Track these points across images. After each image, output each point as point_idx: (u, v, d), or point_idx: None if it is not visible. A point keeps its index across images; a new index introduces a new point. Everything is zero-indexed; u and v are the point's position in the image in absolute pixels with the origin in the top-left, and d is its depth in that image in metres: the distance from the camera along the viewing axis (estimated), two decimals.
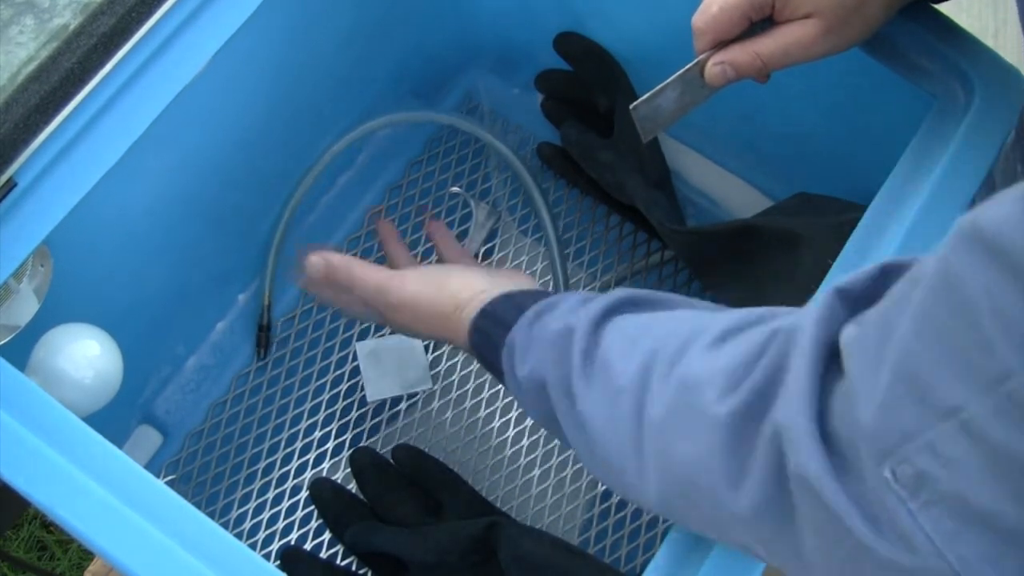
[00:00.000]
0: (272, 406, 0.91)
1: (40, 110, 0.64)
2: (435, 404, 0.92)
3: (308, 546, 0.85)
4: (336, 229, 0.98)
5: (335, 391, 0.92)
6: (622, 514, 0.88)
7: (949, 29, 0.71)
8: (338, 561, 0.83)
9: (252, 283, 0.95)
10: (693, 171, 1.00)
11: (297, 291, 0.95)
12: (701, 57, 0.66)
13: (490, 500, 0.82)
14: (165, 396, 0.91)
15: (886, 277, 0.44)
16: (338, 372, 0.93)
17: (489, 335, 0.59)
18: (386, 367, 0.92)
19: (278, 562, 0.81)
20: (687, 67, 0.68)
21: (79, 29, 0.65)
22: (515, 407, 0.91)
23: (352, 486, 0.81)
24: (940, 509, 0.37)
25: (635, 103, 0.70)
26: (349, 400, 0.92)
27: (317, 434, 0.90)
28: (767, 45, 0.64)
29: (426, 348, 0.93)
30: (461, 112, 1.04)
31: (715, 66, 0.65)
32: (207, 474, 0.89)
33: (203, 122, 0.78)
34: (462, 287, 0.66)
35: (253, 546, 0.86)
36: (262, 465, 0.89)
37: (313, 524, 0.86)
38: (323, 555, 0.85)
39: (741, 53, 0.65)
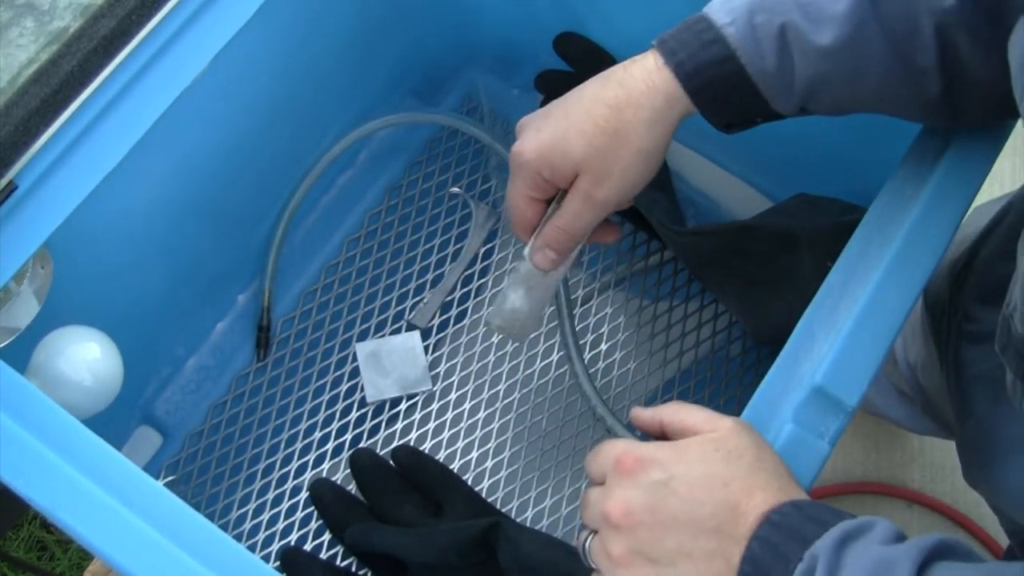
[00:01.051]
0: (272, 407, 0.91)
1: (40, 113, 0.64)
2: (435, 405, 0.92)
3: (308, 547, 0.86)
4: (336, 229, 0.98)
5: (335, 392, 0.92)
6: None
7: None
8: (338, 562, 0.83)
9: (252, 284, 0.95)
10: (693, 171, 1.00)
11: (297, 292, 0.95)
12: (525, 251, 0.71)
13: (490, 500, 0.82)
14: (165, 397, 0.91)
15: None
16: (338, 373, 0.93)
17: (776, 546, 0.52)
18: (386, 368, 0.92)
19: (278, 563, 0.81)
20: (516, 267, 0.72)
21: (79, 32, 0.65)
22: (515, 407, 0.91)
23: (352, 487, 0.81)
24: None
25: (487, 316, 0.73)
26: (349, 401, 0.92)
27: (317, 435, 0.90)
28: (562, 216, 0.68)
29: (426, 349, 0.93)
30: (461, 112, 1.04)
31: (535, 253, 0.70)
32: (207, 475, 0.89)
33: (203, 124, 0.78)
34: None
35: (253, 547, 0.86)
36: (262, 466, 0.89)
37: (313, 525, 0.86)
38: (323, 556, 0.85)
39: (549, 231, 0.68)
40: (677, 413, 0.59)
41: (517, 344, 0.93)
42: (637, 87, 0.64)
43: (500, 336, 0.73)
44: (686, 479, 0.54)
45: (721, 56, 0.61)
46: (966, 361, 0.79)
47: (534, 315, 0.74)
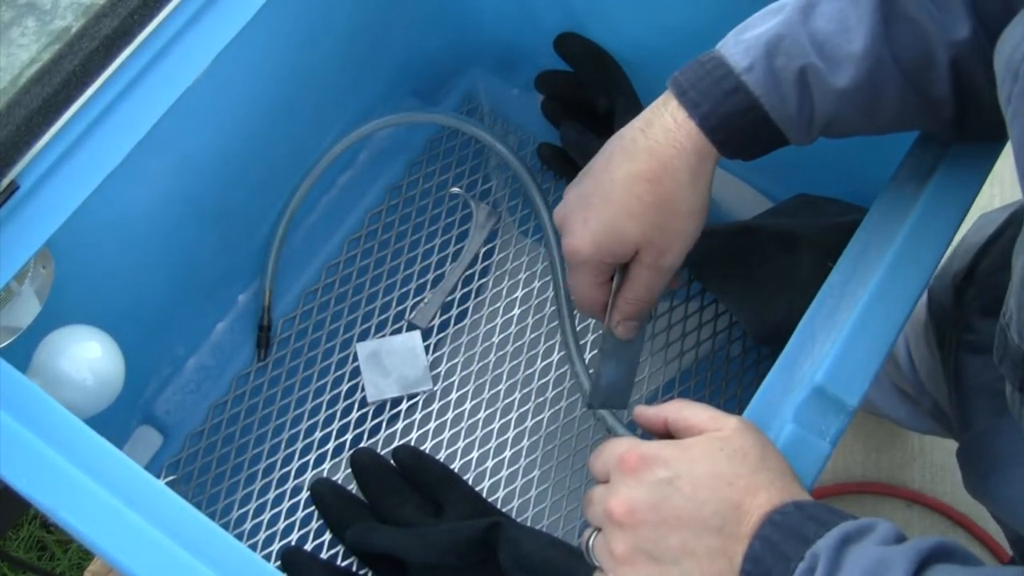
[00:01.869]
0: (272, 407, 0.91)
1: (42, 112, 0.64)
2: (435, 405, 0.92)
3: (309, 546, 0.86)
4: (336, 229, 0.98)
5: (335, 392, 0.92)
6: None
7: None
8: (338, 561, 0.83)
9: (252, 283, 0.95)
10: None
11: (297, 291, 0.95)
12: (604, 329, 0.74)
13: (490, 500, 0.82)
14: (165, 396, 0.91)
15: None
16: (338, 373, 0.93)
17: (776, 545, 0.52)
18: (386, 368, 0.92)
19: (278, 562, 0.81)
20: (601, 346, 0.75)
21: (81, 31, 0.65)
22: (515, 407, 0.91)
23: (352, 486, 0.81)
24: None
25: (590, 400, 0.77)
26: (349, 401, 0.92)
27: (317, 435, 0.90)
28: (634, 289, 0.70)
29: (427, 349, 0.93)
30: (461, 112, 1.04)
31: (618, 328, 0.73)
32: (207, 474, 0.89)
33: (204, 123, 0.78)
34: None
35: (253, 546, 0.86)
36: (262, 465, 0.89)
37: (313, 524, 0.86)
38: (323, 555, 0.85)
39: (625, 306, 0.71)
40: (681, 411, 0.59)
41: (518, 344, 0.93)
42: (667, 152, 0.64)
43: (616, 415, 0.80)
44: (690, 477, 0.55)
45: (745, 106, 0.62)
46: (967, 372, 0.79)
47: (630, 381, 0.77)
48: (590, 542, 0.58)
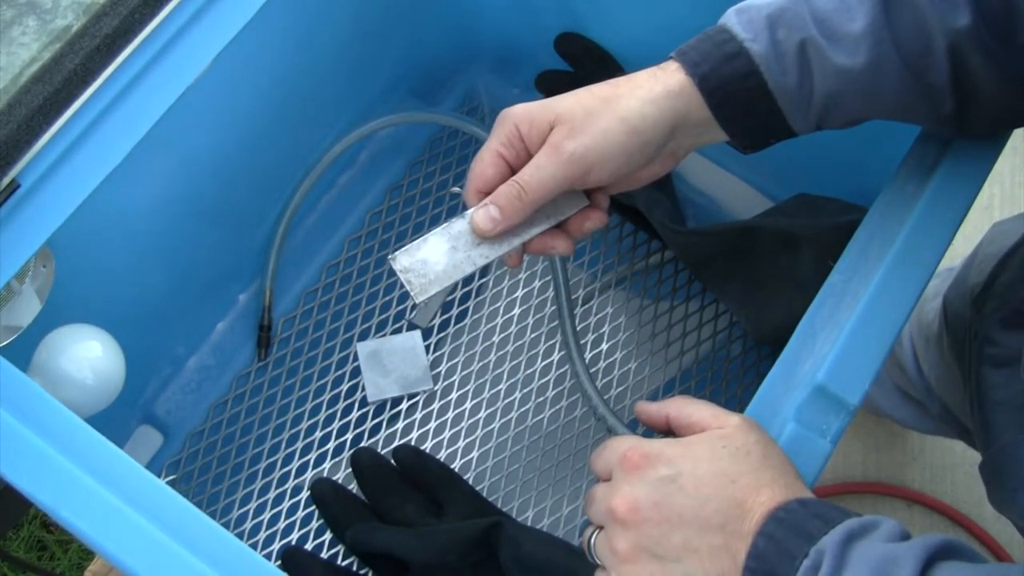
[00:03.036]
0: (273, 406, 0.91)
1: (43, 111, 0.64)
2: (435, 405, 0.92)
3: (309, 546, 0.86)
4: (336, 229, 0.98)
5: (336, 391, 0.92)
6: None
7: None
8: (339, 561, 0.83)
9: (252, 283, 0.95)
10: (693, 172, 1.01)
11: (297, 291, 0.95)
12: (469, 209, 0.63)
13: (490, 500, 0.82)
14: (166, 396, 0.91)
15: None
16: (339, 372, 0.93)
17: (780, 542, 0.52)
18: (386, 368, 0.92)
19: (279, 562, 0.81)
20: (449, 222, 0.64)
21: (82, 30, 0.65)
22: (515, 407, 0.91)
23: (353, 486, 0.81)
24: None
25: (396, 252, 0.64)
26: (350, 400, 0.92)
27: (318, 434, 0.90)
28: (523, 170, 0.62)
29: (427, 348, 0.93)
30: (461, 112, 1.04)
31: (479, 209, 0.63)
32: (208, 474, 0.89)
33: (205, 123, 0.78)
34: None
35: (254, 546, 0.86)
36: (263, 465, 0.89)
37: (314, 524, 0.86)
38: (324, 555, 0.85)
39: (502, 187, 0.62)
40: (683, 408, 0.59)
41: (518, 344, 0.93)
42: (642, 75, 0.63)
43: (423, 299, 0.64)
44: (693, 475, 0.55)
45: (745, 71, 0.61)
46: (990, 385, 0.79)
47: (443, 279, 0.64)
48: (592, 540, 0.58)
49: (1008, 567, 0.51)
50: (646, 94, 0.61)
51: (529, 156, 0.62)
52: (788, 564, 0.51)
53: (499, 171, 0.63)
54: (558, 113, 0.61)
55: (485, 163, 0.63)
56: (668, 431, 0.61)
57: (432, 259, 0.64)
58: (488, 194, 0.63)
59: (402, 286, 0.95)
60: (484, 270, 0.97)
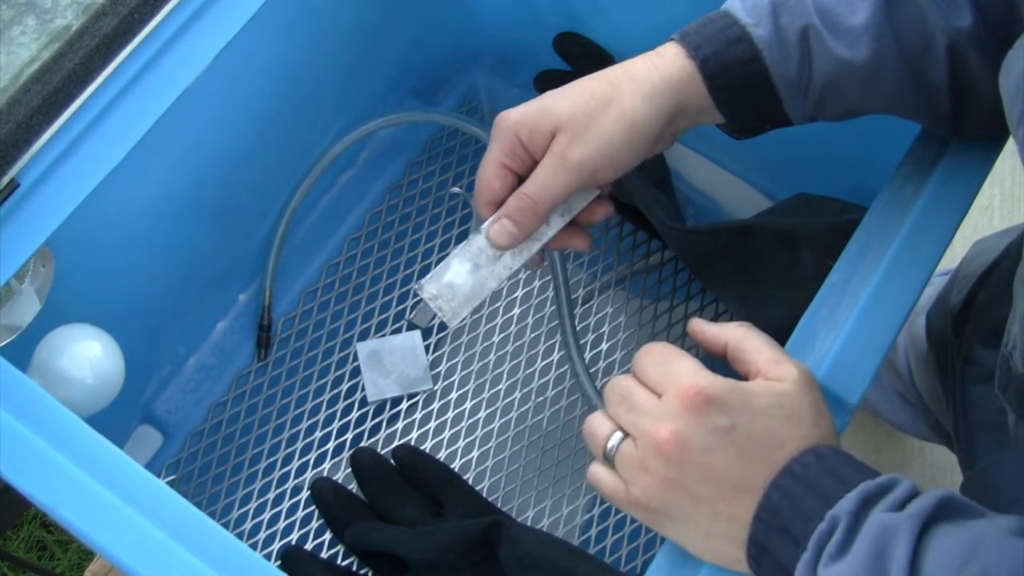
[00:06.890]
0: (272, 406, 0.91)
1: (42, 111, 0.64)
2: (435, 404, 0.92)
3: (309, 546, 0.86)
4: (337, 229, 0.98)
5: (335, 391, 0.92)
6: (622, 515, 0.88)
7: None
8: (339, 561, 0.83)
9: (252, 283, 0.95)
10: (693, 171, 1.01)
11: (297, 291, 0.95)
12: (484, 224, 0.64)
13: (490, 500, 0.82)
14: (166, 396, 0.91)
15: None
16: (338, 372, 0.93)
17: (796, 500, 0.53)
18: (386, 367, 0.92)
19: (279, 562, 0.81)
20: (467, 240, 0.64)
21: (81, 30, 0.65)
22: (515, 407, 0.91)
23: (353, 486, 0.81)
24: None
25: (423, 281, 0.65)
26: (349, 400, 0.92)
27: (318, 434, 0.90)
28: (529, 182, 0.62)
29: (427, 348, 0.93)
30: (461, 112, 1.04)
31: (493, 224, 0.63)
32: (208, 474, 0.89)
33: (204, 123, 0.78)
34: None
35: (254, 546, 0.86)
36: (263, 465, 0.89)
37: (314, 524, 0.86)
38: (324, 555, 0.85)
39: (513, 199, 0.62)
40: (742, 342, 0.58)
41: (517, 343, 0.93)
42: (639, 65, 0.62)
43: (438, 314, 0.65)
44: (747, 431, 0.54)
45: (748, 56, 0.60)
46: (970, 403, 0.79)
47: (472, 298, 0.65)
48: (615, 444, 0.56)
49: (1001, 518, 0.51)
50: (646, 88, 0.61)
51: (534, 162, 0.62)
52: (804, 525, 0.51)
53: (506, 182, 0.63)
54: (559, 120, 0.61)
55: (490, 175, 0.63)
56: (723, 356, 0.59)
57: (458, 281, 0.65)
58: (498, 204, 0.63)
59: (402, 285, 0.96)
60: None
